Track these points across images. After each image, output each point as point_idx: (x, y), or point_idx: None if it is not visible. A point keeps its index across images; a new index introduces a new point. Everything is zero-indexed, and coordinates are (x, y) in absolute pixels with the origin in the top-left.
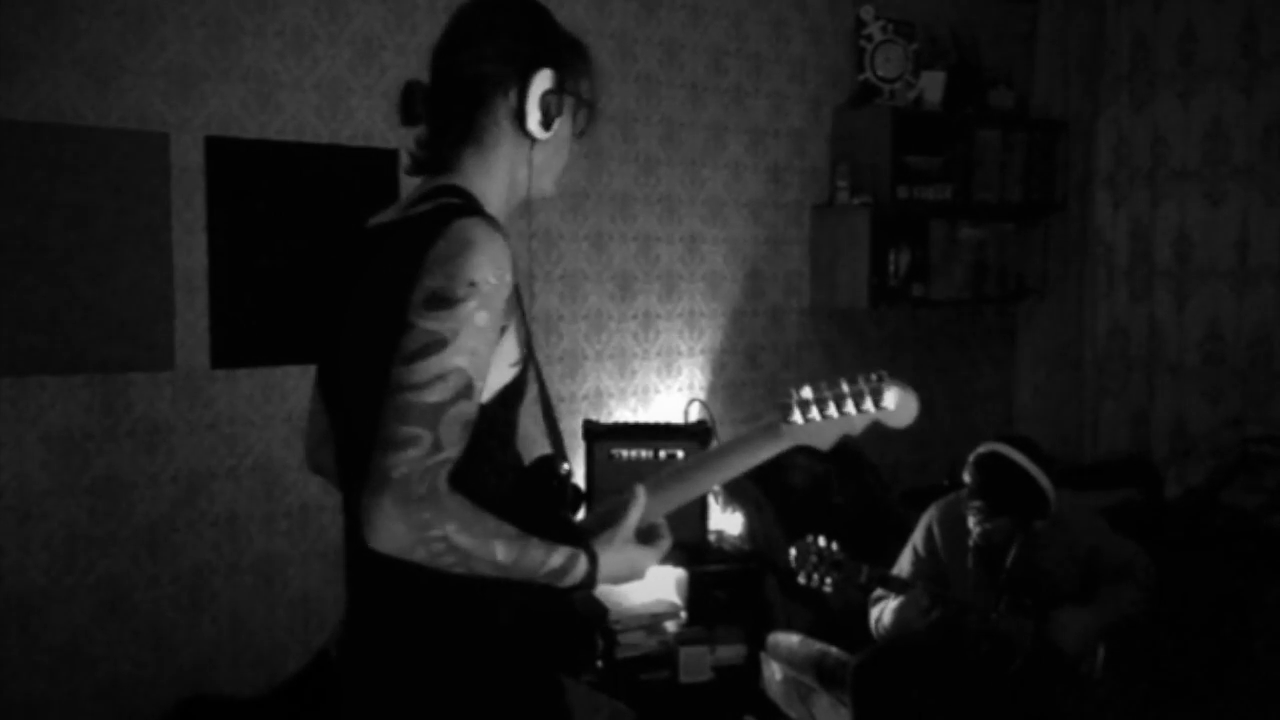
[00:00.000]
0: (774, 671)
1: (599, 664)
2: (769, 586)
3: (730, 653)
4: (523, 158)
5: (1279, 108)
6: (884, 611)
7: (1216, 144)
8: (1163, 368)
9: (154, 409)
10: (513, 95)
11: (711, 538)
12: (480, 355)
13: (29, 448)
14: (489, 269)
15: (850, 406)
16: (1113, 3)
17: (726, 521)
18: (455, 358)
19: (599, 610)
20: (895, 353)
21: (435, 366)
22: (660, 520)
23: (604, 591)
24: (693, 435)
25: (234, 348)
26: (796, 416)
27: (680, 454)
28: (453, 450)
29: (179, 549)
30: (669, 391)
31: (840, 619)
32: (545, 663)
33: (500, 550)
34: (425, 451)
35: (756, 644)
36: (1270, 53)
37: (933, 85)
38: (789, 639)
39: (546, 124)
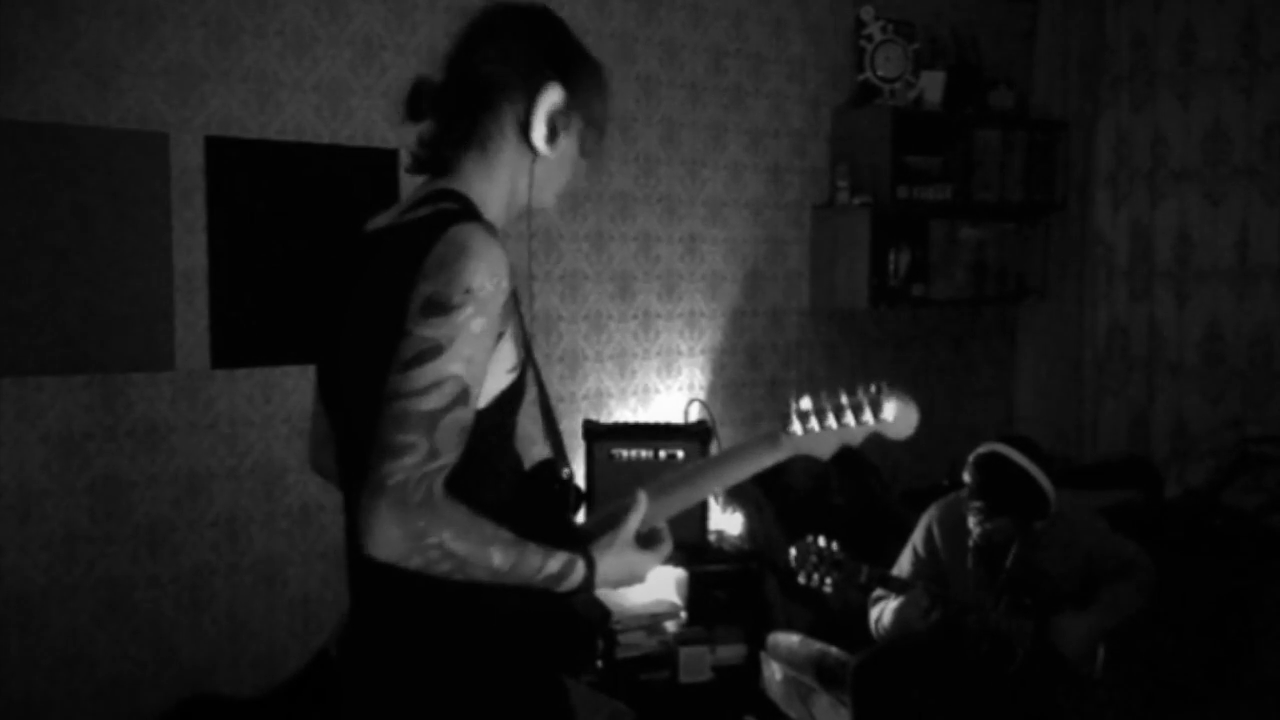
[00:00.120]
0: (774, 671)
1: (599, 664)
2: (769, 587)
3: (730, 653)
4: (524, 168)
5: (1279, 108)
6: (884, 611)
7: (1216, 144)
8: (1163, 368)
9: (154, 409)
10: (520, 105)
11: (711, 538)
12: (476, 362)
13: (29, 448)
14: (485, 276)
15: (850, 417)
16: (1112, 3)
17: (726, 522)
18: (451, 365)
19: (602, 612)
20: (895, 353)
21: (431, 373)
22: (661, 524)
23: (604, 593)
24: (693, 435)
25: (234, 348)
26: (796, 427)
27: (680, 454)
28: (449, 457)
29: (179, 549)
30: (669, 391)
31: (840, 619)
32: (546, 663)
33: (497, 556)
34: (421, 459)
35: (756, 644)
36: (1270, 53)
37: (933, 85)
38: (789, 639)
39: (551, 139)
